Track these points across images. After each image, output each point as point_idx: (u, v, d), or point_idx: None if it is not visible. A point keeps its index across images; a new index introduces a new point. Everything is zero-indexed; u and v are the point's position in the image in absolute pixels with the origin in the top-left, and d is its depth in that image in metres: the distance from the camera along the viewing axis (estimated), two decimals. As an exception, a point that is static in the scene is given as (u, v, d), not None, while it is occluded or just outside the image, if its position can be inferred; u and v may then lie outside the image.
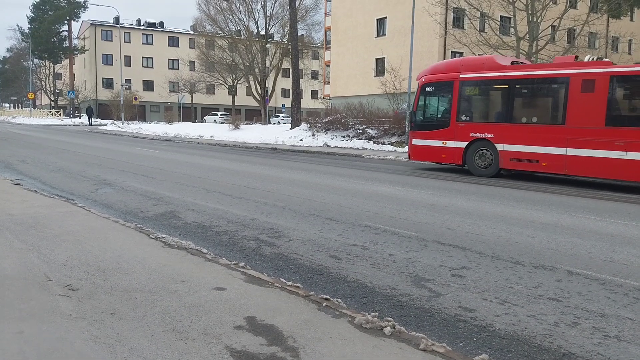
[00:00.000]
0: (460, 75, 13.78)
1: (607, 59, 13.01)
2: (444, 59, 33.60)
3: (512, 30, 25.12)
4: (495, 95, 13.65)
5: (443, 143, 14.08)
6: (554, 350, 3.33)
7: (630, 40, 37.91)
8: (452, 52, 33.73)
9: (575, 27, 25.60)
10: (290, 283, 4.18)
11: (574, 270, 5.00)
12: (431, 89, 14.55)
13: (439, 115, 14.52)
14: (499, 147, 12.98)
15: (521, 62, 14.43)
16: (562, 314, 3.92)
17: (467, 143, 13.60)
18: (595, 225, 7.24)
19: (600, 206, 9.14)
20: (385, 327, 3.29)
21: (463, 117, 13.76)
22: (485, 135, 13.27)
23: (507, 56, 14.53)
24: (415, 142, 14.93)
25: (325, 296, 3.89)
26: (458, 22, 33.08)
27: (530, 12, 23.32)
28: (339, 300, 3.93)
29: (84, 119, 52.41)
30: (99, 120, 52.42)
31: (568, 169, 11.97)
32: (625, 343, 3.44)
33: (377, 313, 3.56)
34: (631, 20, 39.63)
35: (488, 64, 13.58)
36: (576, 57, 12.75)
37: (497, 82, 13.33)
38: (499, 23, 27.02)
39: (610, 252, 5.73)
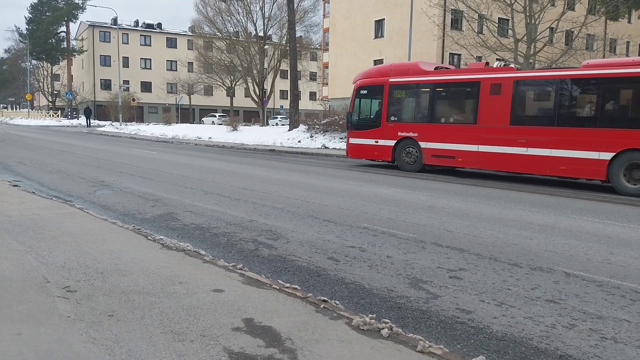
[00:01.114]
0: (390, 80, 15.11)
1: (512, 65, 13.89)
2: (442, 61, 33.71)
3: (510, 32, 25.18)
4: (419, 98, 14.94)
5: (375, 142, 15.46)
6: (551, 352, 3.34)
7: (628, 42, 38.05)
8: (450, 53, 33.83)
9: (573, 29, 25.66)
10: (288, 285, 4.18)
11: (572, 272, 5.01)
12: (365, 92, 15.86)
13: (372, 116, 15.78)
14: (422, 145, 14.35)
15: (445, 68, 15.67)
16: (559, 315, 3.93)
17: (395, 141, 14.97)
18: (592, 227, 7.26)
19: (598, 208, 9.17)
20: (383, 328, 3.30)
21: (392, 118, 15.15)
22: (411, 134, 14.67)
23: (432, 63, 15.91)
24: (352, 140, 16.24)
25: (323, 298, 3.90)
26: (456, 24, 33.17)
27: (528, 14, 23.37)
28: (337, 302, 3.94)
29: (82, 120, 52.35)
30: (96, 122, 52.37)
31: (480, 164, 13.36)
32: (622, 345, 3.45)
33: (374, 315, 3.56)
34: (629, 22, 39.79)
35: (413, 69, 14.99)
36: (487, 63, 14.26)
37: (420, 86, 14.70)
38: (497, 25, 27.09)
39: (608, 254, 5.75)
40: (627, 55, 40.24)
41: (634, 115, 11.18)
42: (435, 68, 15.16)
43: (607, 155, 11.15)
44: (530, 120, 12.74)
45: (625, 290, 4.55)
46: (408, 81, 14.86)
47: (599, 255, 5.68)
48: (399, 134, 14.91)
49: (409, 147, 14.73)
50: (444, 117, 14.32)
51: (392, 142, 15.05)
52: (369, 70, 17.17)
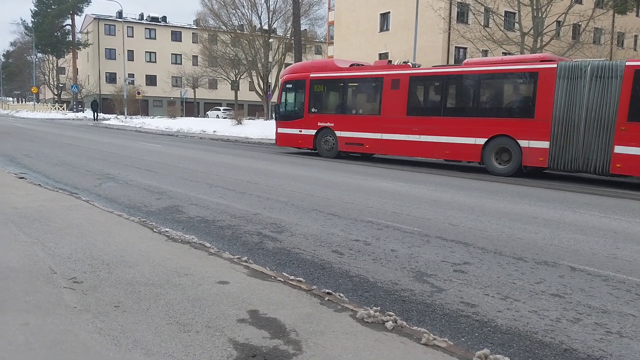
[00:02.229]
0: (310, 75, 16.80)
1: (409, 63, 15.35)
2: (448, 55, 33.55)
3: (516, 25, 25.00)
4: (334, 92, 16.63)
5: (299, 131, 17.18)
6: (555, 345, 3.34)
7: (636, 36, 37.69)
8: (455, 47, 33.63)
9: (580, 23, 25.46)
10: (292, 277, 4.19)
11: (577, 267, 5.00)
12: (290, 86, 17.55)
13: (296, 108, 17.43)
14: (338, 134, 16.17)
15: (360, 65, 17.05)
16: (564, 309, 3.92)
17: (316, 131, 16.69)
18: (598, 222, 7.23)
19: (603, 203, 9.13)
20: (387, 321, 3.31)
21: (313, 110, 16.84)
22: (328, 124, 16.43)
23: (349, 60, 17.70)
24: (279, 130, 17.95)
25: (327, 290, 3.91)
26: (462, 17, 32.95)
27: (535, 7, 23.18)
28: (341, 294, 3.95)
29: (88, 113, 52.42)
30: (102, 115, 52.46)
31: (383, 150, 15.30)
32: (627, 339, 3.45)
33: (379, 308, 3.57)
34: (637, 15, 39.34)
35: (329, 66, 16.88)
36: (389, 61, 16.08)
37: (335, 81, 16.41)
38: (503, 18, 26.89)
39: (614, 249, 5.73)
40: (635, 50, 39.91)
41: (501, 106, 13.28)
42: (351, 65, 16.71)
43: (481, 141, 13.05)
44: (422, 111, 14.64)
45: (631, 284, 4.53)
46: (325, 76, 16.59)
47: (605, 250, 5.66)
48: (319, 124, 16.64)
49: (327, 135, 16.50)
50: (354, 109, 16.15)
51: (313, 132, 16.76)
52: (294, 66, 19.04)
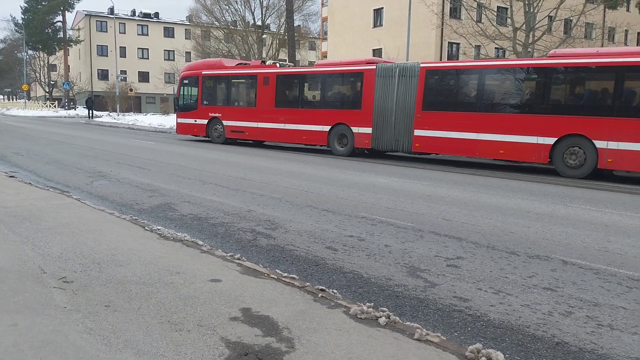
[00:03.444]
0: (203, 72, 19.56)
1: (279, 62, 19.14)
2: (441, 50, 33.56)
3: (508, 20, 25.04)
4: (221, 87, 19.47)
5: (195, 121, 19.92)
6: (547, 339, 3.34)
7: (626, 30, 37.84)
8: (449, 42, 33.62)
9: (571, 18, 25.51)
10: (286, 274, 4.18)
11: (569, 260, 5.02)
12: (187, 81, 20.26)
13: (192, 101, 20.08)
14: (225, 123, 18.94)
15: (246, 64, 19.83)
16: (556, 303, 3.93)
17: (207, 120, 19.43)
18: (590, 216, 7.26)
19: (595, 196, 9.17)
20: (380, 317, 3.30)
21: (205, 102, 19.60)
22: (217, 114, 19.15)
23: (236, 60, 21.48)
24: (179, 120, 20.80)
25: (321, 287, 3.90)
26: (455, 12, 32.95)
27: (527, 2, 23.22)
28: (335, 291, 3.94)
29: (81, 110, 52.00)
30: (94, 112, 52.07)
31: (259, 136, 18.21)
32: (619, 332, 3.46)
33: (372, 303, 3.56)
34: (627, 10, 39.48)
35: (217, 65, 19.77)
36: (263, 61, 19.38)
37: (221, 78, 19.21)
38: (495, 14, 26.91)
39: (605, 242, 5.75)
40: (626, 44, 40.10)
41: (340, 100, 16.29)
42: (238, 64, 19.67)
43: (327, 128, 15.99)
44: (286, 104, 17.37)
45: (622, 277, 4.55)
46: (214, 74, 19.34)
47: (596, 243, 5.69)
48: (210, 114, 19.39)
49: (216, 124, 19.26)
50: (237, 102, 19.19)
51: (205, 121, 19.52)
52: (190, 64, 22.14)
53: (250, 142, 19.22)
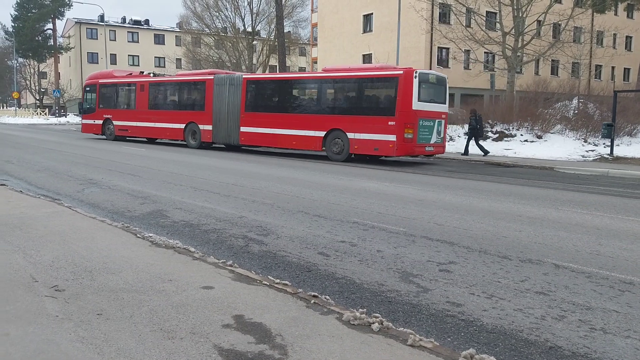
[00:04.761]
0: (99, 81, 23.70)
1: (152, 73, 23.37)
2: (431, 55, 33.77)
3: (497, 25, 25.25)
4: (111, 93, 23.28)
5: (94, 121, 24.00)
6: (540, 343, 3.36)
7: (614, 34, 38.29)
8: (438, 47, 33.88)
9: (560, 22, 25.79)
10: (278, 281, 4.17)
11: (561, 264, 5.05)
12: (88, 89, 24.30)
13: (92, 105, 24.05)
14: (115, 122, 22.87)
15: (152, 73, 23.45)
16: (548, 307, 3.95)
17: (102, 121, 23.42)
18: (581, 219, 7.32)
19: (586, 199, 9.24)
20: (373, 323, 3.30)
21: (100, 106, 23.61)
22: (109, 116, 23.15)
23: (128, 71, 25.29)
24: (83, 121, 25.02)
25: (313, 293, 3.89)
26: (444, 17, 33.21)
27: (515, 7, 23.45)
28: (327, 297, 3.93)
29: (70, 118, 51.64)
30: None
31: (138, 134, 22.15)
32: (611, 335, 3.48)
33: (365, 309, 3.56)
34: (615, 14, 40.02)
35: (109, 75, 23.76)
36: (142, 72, 24.27)
37: (112, 86, 23.25)
38: (484, 18, 27.14)
39: (597, 245, 5.80)
40: (614, 48, 40.55)
41: (190, 103, 20.27)
42: (128, 74, 23.59)
43: (182, 126, 20.00)
44: (156, 106, 21.36)
45: (614, 281, 4.59)
46: (107, 82, 23.40)
47: (588, 247, 5.73)
48: (104, 116, 23.33)
49: (109, 124, 23.22)
50: (123, 105, 22.78)
51: (101, 122, 23.49)
52: (92, 74, 25.83)
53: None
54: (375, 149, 14.99)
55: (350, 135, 15.28)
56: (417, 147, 14.78)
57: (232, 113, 18.17)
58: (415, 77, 14.35)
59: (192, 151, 18.58)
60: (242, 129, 17.92)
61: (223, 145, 20.07)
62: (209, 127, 18.98)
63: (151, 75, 22.54)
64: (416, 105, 14.39)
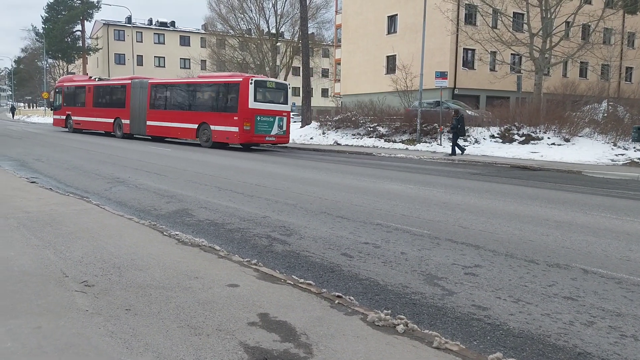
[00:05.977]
0: (65, 83, 30.13)
1: (96, 77, 30.66)
2: (456, 56, 33.43)
3: (525, 26, 24.87)
4: (71, 94, 29.22)
5: (60, 117, 30.12)
6: (569, 349, 3.30)
7: (646, 36, 37.33)
8: (464, 48, 33.50)
9: (590, 23, 25.26)
10: (302, 280, 4.19)
11: (589, 269, 4.95)
12: (57, 90, 30.61)
13: (60, 103, 30.09)
14: (74, 118, 28.78)
15: (91, 77, 30.46)
16: (577, 312, 3.88)
17: (65, 116, 29.46)
18: (610, 224, 7.16)
19: (615, 204, 9.04)
20: (398, 324, 3.29)
21: (65, 104, 29.62)
22: (69, 112, 29.08)
23: (86, 76, 32.83)
24: (54, 117, 31.36)
25: (337, 294, 3.90)
26: (470, 18, 32.82)
27: (544, 8, 23.05)
28: (351, 297, 3.93)
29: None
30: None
31: (86, 127, 27.84)
32: (642, 342, 3.40)
33: (389, 311, 3.55)
34: (647, 15, 39.01)
35: (72, 79, 31.15)
36: (90, 77, 31.49)
37: (71, 88, 29.22)
38: (511, 19, 26.77)
39: (627, 251, 5.66)
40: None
41: (116, 102, 25.52)
42: (90, 77, 30.82)
43: (111, 120, 25.62)
44: (97, 104, 26.91)
45: (645, 287, 4.47)
46: (68, 84, 29.68)
47: (618, 252, 5.60)
48: (67, 112, 29.40)
49: (69, 119, 29.14)
50: (78, 104, 28.54)
51: (64, 117, 29.58)
52: (61, 78, 33.29)
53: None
54: (227, 138, 19.96)
55: (212, 127, 20.28)
56: (255, 136, 19.60)
57: (142, 110, 23.60)
58: (251, 83, 19.05)
59: (214, 151, 18.78)
60: (148, 122, 23.36)
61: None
62: (127, 121, 24.57)
63: (96, 80, 28.82)
64: (252, 104, 19.12)
